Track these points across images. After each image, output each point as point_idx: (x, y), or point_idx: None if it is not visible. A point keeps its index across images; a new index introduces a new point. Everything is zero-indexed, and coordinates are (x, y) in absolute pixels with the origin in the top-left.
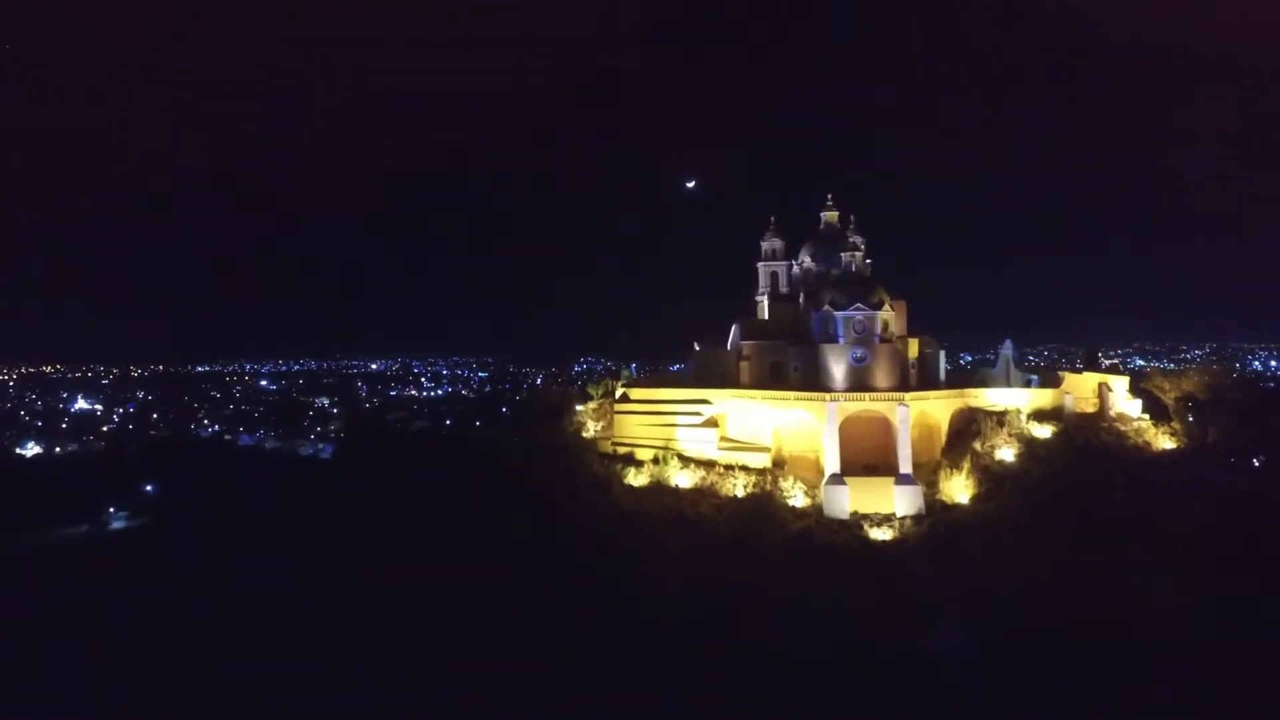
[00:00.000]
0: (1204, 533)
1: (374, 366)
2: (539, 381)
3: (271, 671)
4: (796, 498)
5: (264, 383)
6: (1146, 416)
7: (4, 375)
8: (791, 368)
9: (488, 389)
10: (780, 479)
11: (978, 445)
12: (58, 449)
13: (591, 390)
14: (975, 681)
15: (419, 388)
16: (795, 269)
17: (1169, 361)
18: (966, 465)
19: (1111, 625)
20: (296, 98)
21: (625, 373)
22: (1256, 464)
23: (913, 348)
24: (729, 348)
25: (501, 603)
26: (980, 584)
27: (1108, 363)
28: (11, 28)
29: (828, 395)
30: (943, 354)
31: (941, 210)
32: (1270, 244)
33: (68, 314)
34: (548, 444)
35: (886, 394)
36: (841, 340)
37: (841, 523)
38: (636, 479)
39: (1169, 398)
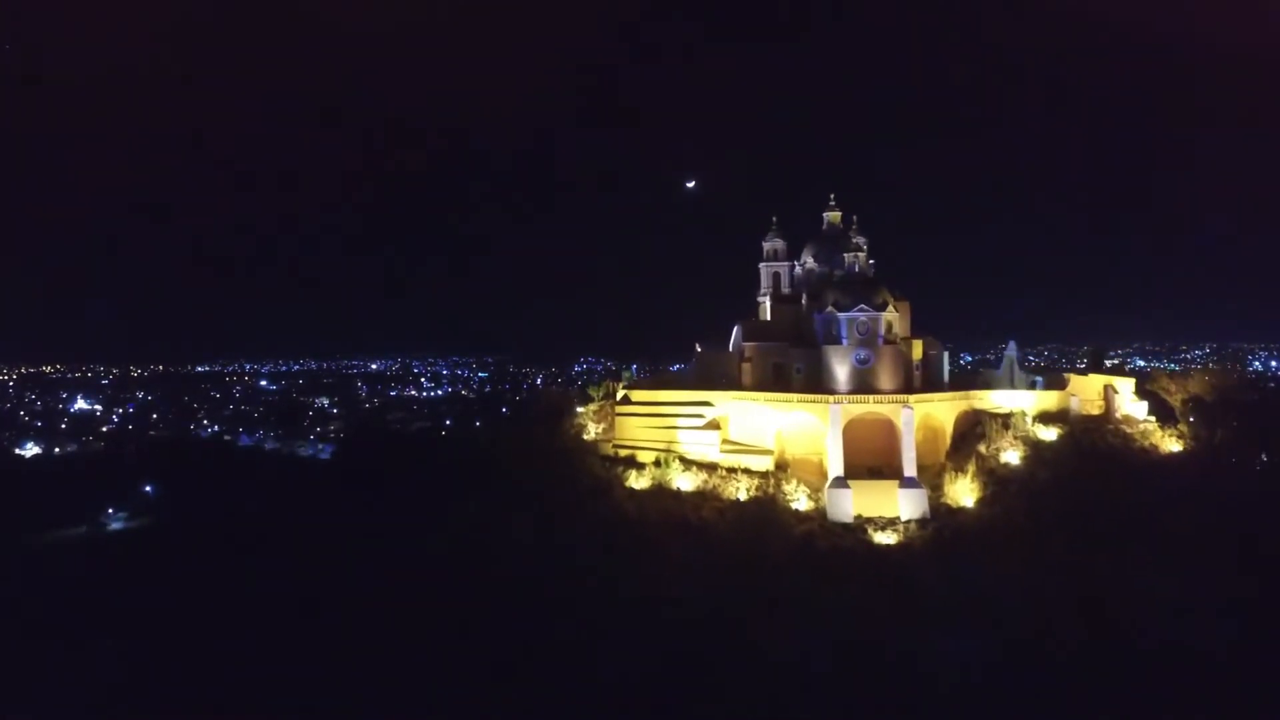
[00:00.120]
0: (1212, 536)
1: (374, 366)
2: (539, 382)
3: (271, 672)
4: (800, 501)
5: (264, 383)
6: (1153, 419)
7: (4, 375)
8: (794, 369)
9: (488, 389)
10: (783, 482)
11: (983, 448)
12: (57, 449)
13: (592, 392)
14: (981, 687)
15: (419, 388)
16: (798, 270)
17: (1169, 361)
18: (971, 468)
19: (1119, 630)
20: (297, 97)
21: (626, 374)
22: (1258, 466)
23: (916, 349)
24: (731, 349)
25: (501, 605)
26: (986, 589)
27: (1109, 363)
28: (12, 28)
29: (831, 397)
30: (946, 355)
31: (941, 210)
32: (1270, 244)
33: (68, 314)
34: (548, 446)
35: (890, 396)
36: (845, 342)
37: (845, 526)
38: (638, 482)
39: (1175, 399)
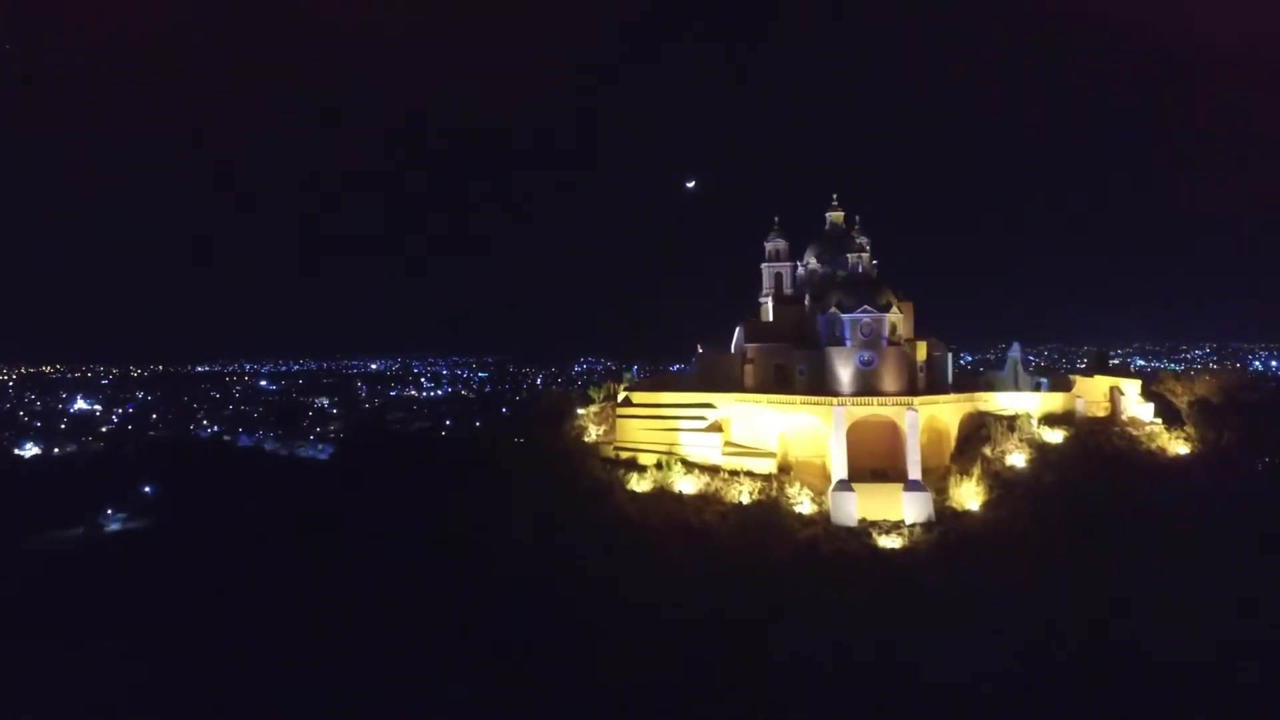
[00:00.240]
0: (1220, 539)
1: (374, 366)
2: (539, 382)
3: (271, 673)
4: (803, 504)
5: (264, 383)
6: (1159, 421)
7: (4, 375)
8: (797, 371)
9: (488, 389)
10: (786, 485)
11: (988, 450)
12: (56, 450)
13: (593, 393)
14: (986, 691)
15: (419, 388)
16: (800, 270)
17: (1169, 361)
18: (976, 471)
19: (1125, 634)
20: (297, 97)
21: (627, 375)
22: (1259, 467)
23: (920, 350)
24: (733, 350)
25: (502, 606)
26: (991, 592)
27: (1112, 363)
28: (12, 28)
29: (835, 399)
30: (950, 356)
31: (941, 210)
32: (1270, 244)
33: (68, 314)
34: (549, 448)
35: (895, 398)
36: (848, 343)
37: (849, 530)
38: (639, 485)
39: (1181, 401)
